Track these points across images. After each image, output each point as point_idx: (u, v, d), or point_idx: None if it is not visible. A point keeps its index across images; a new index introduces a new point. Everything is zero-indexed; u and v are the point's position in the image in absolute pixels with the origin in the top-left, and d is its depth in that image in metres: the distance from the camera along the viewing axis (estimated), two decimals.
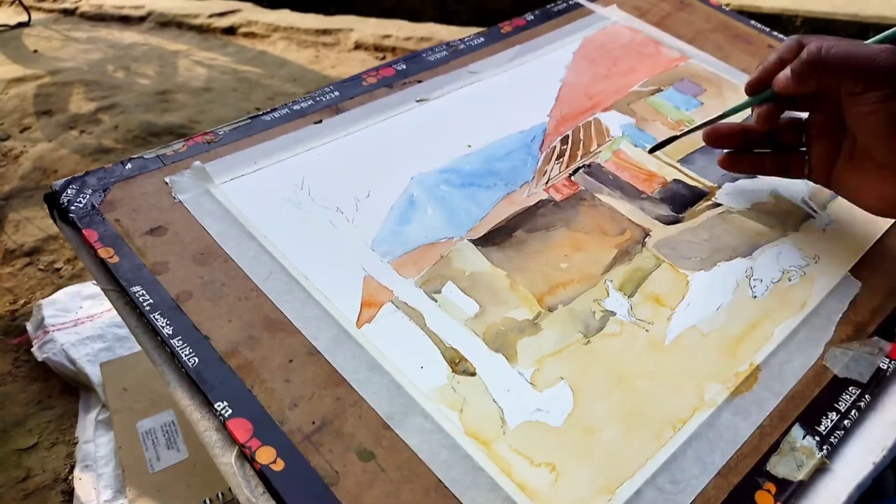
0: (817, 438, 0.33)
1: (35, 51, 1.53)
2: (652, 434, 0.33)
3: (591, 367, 0.35)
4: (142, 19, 1.77)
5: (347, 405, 0.33)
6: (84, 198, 0.41)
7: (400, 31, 1.67)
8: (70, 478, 0.60)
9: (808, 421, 0.34)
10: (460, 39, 0.58)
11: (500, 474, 0.31)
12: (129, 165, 0.43)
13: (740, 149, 0.45)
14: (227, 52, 1.59)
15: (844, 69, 0.37)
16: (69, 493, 0.60)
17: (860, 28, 1.68)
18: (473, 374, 0.35)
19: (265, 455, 0.30)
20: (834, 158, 0.42)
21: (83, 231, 0.39)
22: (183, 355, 0.34)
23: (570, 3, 0.65)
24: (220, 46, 1.63)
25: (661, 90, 0.56)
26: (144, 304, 0.36)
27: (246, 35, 1.68)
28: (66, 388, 0.67)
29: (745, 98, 0.43)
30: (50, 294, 0.74)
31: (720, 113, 0.44)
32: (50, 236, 0.89)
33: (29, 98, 1.27)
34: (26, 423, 0.65)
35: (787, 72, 0.39)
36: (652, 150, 0.48)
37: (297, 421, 0.32)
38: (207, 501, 0.52)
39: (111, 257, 0.38)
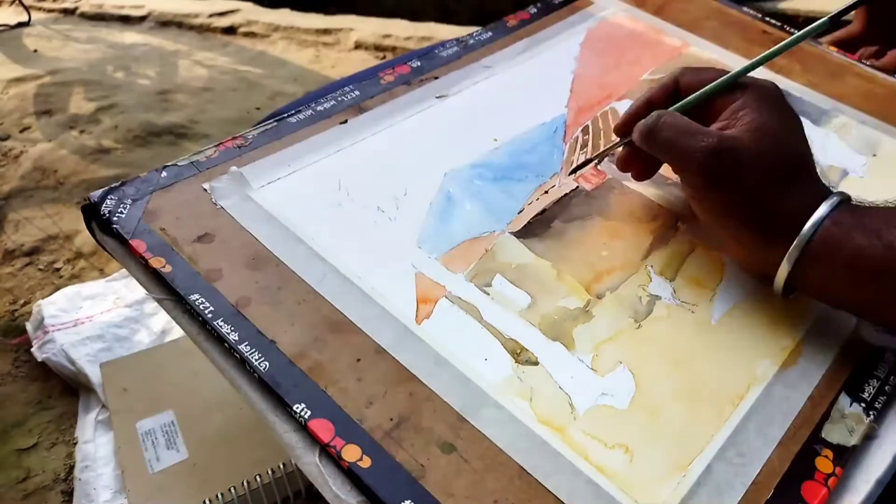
0: (863, 405, 0.35)
1: (35, 50, 1.50)
2: (714, 411, 0.34)
3: (646, 351, 0.37)
4: (142, 19, 1.73)
5: (421, 400, 0.33)
6: (125, 208, 0.40)
7: (400, 31, 1.66)
8: (70, 478, 0.60)
9: (853, 389, 0.36)
10: (469, 35, 0.59)
11: (578, 458, 0.32)
12: (164, 173, 0.43)
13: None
14: (227, 52, 1.57)
15: (668, 157, 0.39)
16: (69, 494, 0.59)
17: None
18: (536, 363, 0.36)
19: (351, 453, 0.31)
20: None
21: (131, 242, 0.39)
22: (253, 360, 0.34)
23: None
24: (220, 46, 1.61)
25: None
26: (206, 311, 0.36)
27: (246, 35, 1.66)
28: (65, 389, 0.67)
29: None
30: (50, 294, 0.74)
31: (603, 150, 0.46)
32: (50, 236, 0.87)
33: (29, 98, 1.24)
34: (26, 424, 0.64)
35: (637, 128, 0.41)
36: (572, 173, 0.47)
37: (375, 418, 0.32)
38: (207, 502, 0.52)
39: (164, 266, 0.38)
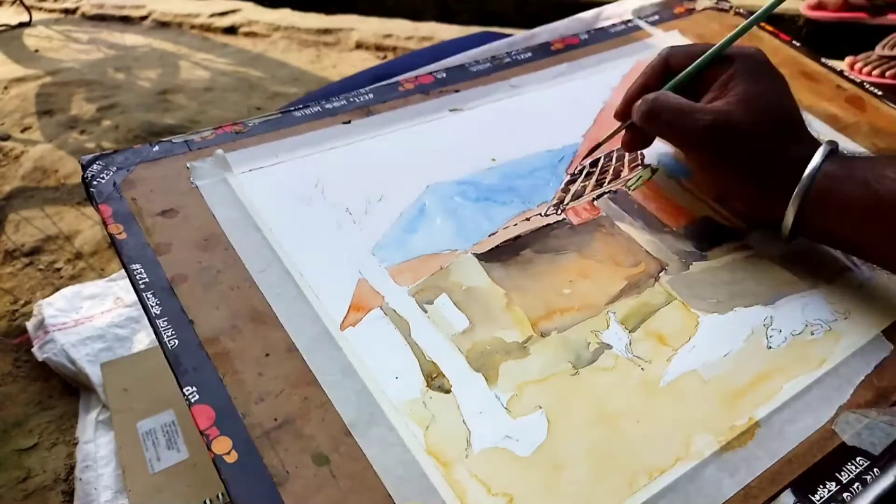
0: None
1: (36, 51, 1.55)
2: (625, 479, 0.31)
3: (573, 400, 0.34)
4: (142, 19, 1.79)
5: (313, 406, 0.32)
6: (107, 175, 0.42)
7: (401, 31, 1.65)
8: (70, 478, 0.60)
9: (802, 488, 0.31)
10: (507, 53, 0.57)
11: (453, 498, 0.29)
12: (156, 147, 0.45)
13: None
14: (227, 52, 1.60)
15: (668, 139, 0.43)
16: (69, 494, 0.59)
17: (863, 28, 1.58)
18: (448, 391, 0.34)
19: (221, 445, 0.30)
20: None
21: (99, 206, 0.40)
22: (165, 336, 0.34)
23: (630, 24, 0.63)
24: (221, 46, 1.64)
25: None
26: (140, 282, 0.36)
27: (247, 35, 1.68)
28: (66, 389, 0.67)
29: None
30: (50, 294, 0.74)
31: (609, 134, 0.47)
32: (50, 236, 0.89)
33: (30, 98, 1.28)
34: (26, 424, 0.64)
35: (635, 110, 0.43)
36: (585, 157, 0.48)
37: (259, 415, 0.31)
38: (208, 502, 0.52)
39: (119, 234, 0.39)
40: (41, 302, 0.71)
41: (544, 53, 0.58)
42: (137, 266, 0.37)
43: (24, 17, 1.74)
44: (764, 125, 0.39)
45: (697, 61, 0.43)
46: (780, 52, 0.62)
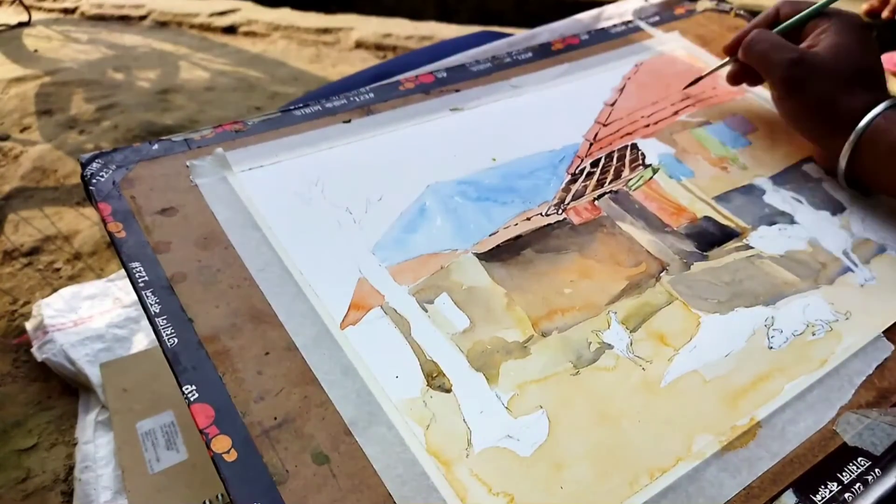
0: None
1: (35, 50, 1.54)
2: (625, 479, 0.31)
3: (574, 400, 0.34)
4: (142, 19, 1.79)
5: (313, 405, 0.32)
6: (107, 173, 0.42)
7: (401, 30, 1.65)
8: (70, 478, 0.60)
9: (804, 488, 0.31)
10: (507, 53, 0.57)
11: (453, 497, 0.29)
12: (155, 146, 0.44)
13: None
14: (227, 52, 1.60)
15: (759, 66, 0.49)
16: (69, 494, 0.59)
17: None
18: (449, 390, 0.33)
19: (220, 444, 0.30)
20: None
21: (98, 204, 0.40)
22: (164, 334, 0.34)
23: (630, 25, 0.63)
24: (221, 46, 1.63)
25: (710, 123, 0.53)
26: (139, 280, 0.36)
27: (246, 34, 1.68)
28: (65, 389, 0.67)
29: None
30: (49, 294, 0.74)
31: (714, 68, 0.55)
32: (49, 237, 0.88)
33: (29, 98, 1.27)
34: (26, 424, 0.64)
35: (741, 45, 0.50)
36: (687, 87, 0.56)
37: (259, 414, 0.31)
38: (207, 502, 0.52)
39: (119, 232, 0.39)
40: (40, 302, 0.71)
41: (545, 54, 0.58)
42: (137, 264, 0.37)
43: (24, 17, 1.74)
44: (839, 68, 0.44)
45: (803, 13, 0.49)
46: None
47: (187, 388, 0.32)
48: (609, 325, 0.37)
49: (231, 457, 0.30)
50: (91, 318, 0.68)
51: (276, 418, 0.31)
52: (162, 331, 0.34)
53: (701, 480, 0.31)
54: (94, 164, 0.42)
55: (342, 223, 0.41)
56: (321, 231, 0.41)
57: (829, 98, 0.44)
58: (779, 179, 0.49)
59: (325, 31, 1.68)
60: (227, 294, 0.36)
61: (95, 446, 0.59)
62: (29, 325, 0.70)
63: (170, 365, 0.33)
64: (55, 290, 0.74)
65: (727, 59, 0.53)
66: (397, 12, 1.82)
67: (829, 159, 0.47)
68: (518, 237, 0.42)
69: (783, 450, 0.33)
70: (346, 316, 0.36)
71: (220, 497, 0.52)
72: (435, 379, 0.34)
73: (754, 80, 0.53)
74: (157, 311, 0.35)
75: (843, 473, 0.32)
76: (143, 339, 0.66)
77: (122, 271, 0.74)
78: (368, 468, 0.30)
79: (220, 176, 0.43)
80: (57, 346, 0.65)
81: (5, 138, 1.12)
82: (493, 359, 0.35)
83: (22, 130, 1.18)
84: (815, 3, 0.49)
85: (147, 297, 0.35)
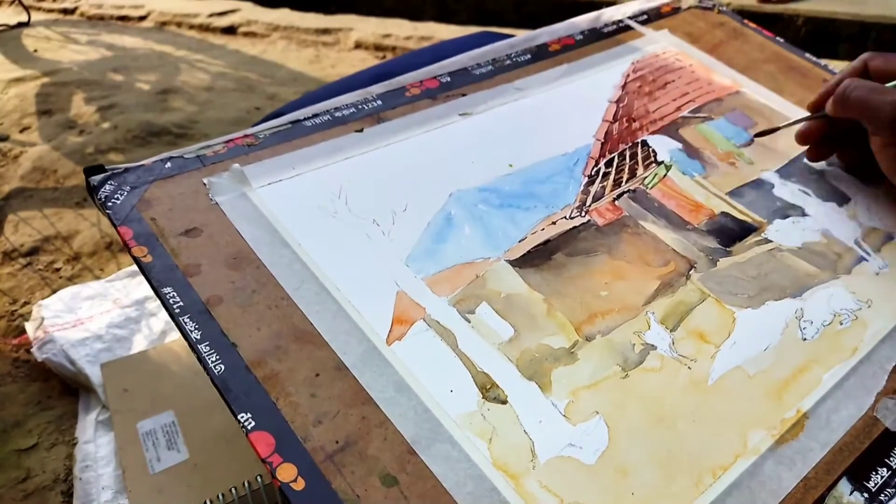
0: (866, 495, 0.31)
1: (35, 51, 1.52)
2: (691, 480, 0.31)
3: (628, 403, 0.34)
4: (141, 19, 1.76)
5: (373, 426, 0.31)
6: (122, 195, 0.40)
7: (400, 31, 1.64)
8: (70, 478, 0.59)
9: (857, 476, 0.32)
10: (506, 55, 0.57)
11: None
12: (168, 164, 0.43)
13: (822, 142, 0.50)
14: (226, 52, 1.58)
15: (859, 113, 0.44)
16: (69, 494, 0.58)
17: (861, 27, 1.65)
18: (505, 401, 0.33)
19: (286, 473, 0.29)
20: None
21: (119, 228, 0.38)
22: (209, 362, 0.33)
23: (621, 24, 0.64)
24: (220, 46, 1.62)
25: (712, 118, 0.54)
26: (174, 306, 0.35)
27: (246, 35, 1.66)
28: (65, 389, 0.66)
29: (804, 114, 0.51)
30: (50, 294, 0.73)
31: (794, 120, 0.51)
32: (49, 237, 0.87)
33: (28, 98, 1.25)
34: (26, 424, 0.63)
35: (832, 99, 0.46)
36: (758, 135, 0.52)
37: (320, 439, 0.31)
38: (208, 502, 0.51)
39: (144, 256, 0.37)
40: (40, 302, 0.70)
41: (543, 55, 0.58)
42: (169, 290, 0.36)
43: (23, 18, 1.71)
44: None
45: None
46: (767, 49, 0.64)
47: (243, 417, 0.31)
48: (649, 326, 0.38)
49: (299, 485, 0.29)
50: (91, 318, 0.67)
51: (337, 441, 0.31)
52: (206, 358, 0.33)
53: (761, 475, 0.32)
54: (108, 186, 0.41)
55: (371, 235, 0.41)
56: (351, 244, 0.40)
57: None
58: (784, 172, 0.50)
59: (325, 31, 1.67)
60: (266, 315, 0.35)
61: (96, 446, 0.58)
62: (29, 326, 0.69)
63: (220, 393, 0.32)
64: (55, 291, 0.73)
65: (808, 115, 0.50)
66: (396, 13, 1.81)
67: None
68: (547, 241, 0.42)
69: (831, 439, 0.33)
70: (390, 331, 0.36)
71: (220, 497, 0.51)
72: (489, 391, 0.34)
73: (831, 147, 0.50)
74: (199, 337, 0.34)
75: (891, 459, 0.33)
76: (143, 340, 0.66)
77: (122, 272, 0.73)
78: (438, 487, 0.30)
79: (239, 192, 0.42)
80: (57, 346, 0.64)
81: (5, 139, 1.09)
82: (542, 367, 0.35)
83: (21, 131, 1.16)
84: None
85: (185, 323, 0.34)
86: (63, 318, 0.67)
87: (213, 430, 0.57)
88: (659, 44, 0.62)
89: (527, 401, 0.33)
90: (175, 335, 0.66)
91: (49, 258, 0.84)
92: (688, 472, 0.31)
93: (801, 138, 0.50)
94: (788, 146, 0.52)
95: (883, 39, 1.63)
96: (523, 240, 0.42)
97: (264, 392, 0.32)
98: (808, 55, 0.64)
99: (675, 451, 0.32)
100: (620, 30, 0.63)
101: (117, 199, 0.40)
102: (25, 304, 0.77)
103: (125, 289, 0.71)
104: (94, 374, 0.62)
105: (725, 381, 0.35)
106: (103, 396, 0.60)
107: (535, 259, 0.41)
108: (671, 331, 0.38)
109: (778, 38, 0.66)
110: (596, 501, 0.30)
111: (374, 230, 0.41)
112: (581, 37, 0.61)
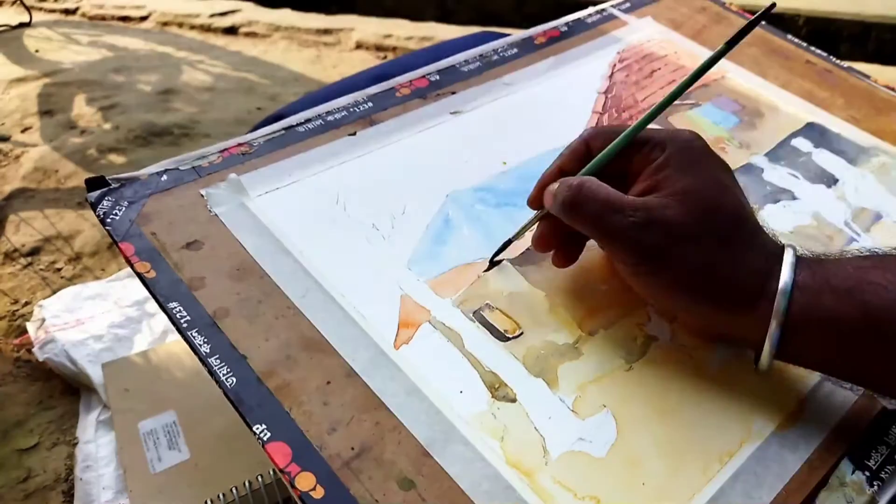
0: (867, 474, 0.32)
1: (36, 51, 1.52)
2: (698, 467, 0.32)
3: (633, 396, 0.35)
4: (143, 19, 1.76)
5: (386, 430, 0.32)
6: (120, 210, 0.40)
7: (401, 31, 1.66)
8: (71, 478, 0.60)
9: (857, 455, 0.33)
10: (493, 50, 0.58)
11: None
12: (164, 177, 0.43)
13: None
14: (227, 52, 1.59)
15: (595, 235, 0.35)
16: (70, 494, 0.59)
17: (862, 27, 1.67)
18: (514, 400, 0.34)
19: (305, 481, 0.30)
20: None
21: (120, 245, 0.38)
22: (221, 375, 0.33)
23: (605, 13, 0.64)
24: (221, 46, 1.62)
25: (699, 105, 0.55)
26: (182, 321, 0.35)
27: (247, 35, 1.67)
28: (67, 389, 0.67)
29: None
30: (51, 295, 0.74)
31: (520, 227, 0.40)
32: (50, 237, 0.88)
33: (30, 98, 1.26)
34: (27, 424, 0.64)
35: (552, 199, 0.36)
36: (492, 262, 0.41)
37: (336, 446, 0.31)
38: (209, 502, 0.52)
39: (148, 272, 0.37)
40: (42, 302, 0.71)
41: (529, 48, 0.59)
42: (175, 304, 0.36)
43: (25, 18, 1.70)
44: (709, 224, 0.33)
45: (615, 142, 0.36)
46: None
47: (258, 428, 0.31)
48: (649, 318, 0.38)
49: (318, 493, 0.29)
50: (92, 318, 0.68)
51: (353, 448, 0.31)
52: (217, 371, 0.33)
53: (766, 460, 0.32)
54: (106, 202, 0.41)
55: (371, 240, 0.41)
56: (352, 250, 0.40)
57: (706, 265, 0.32)
58: (773, 156, 0.51)
59: (326, 31, 1.67)
60: (273, 326, 0.36)
61: (97, 446, 0.59)
62: (30, 326, 0.70)
63: (234, 406, 0.32)
64: (56, 291, 0.74)
65: (536, 213, 0.39)
66: (397, 13, 1.82)
67: (726, 334, 0.35)
68: None
69: (831, 421, 0.34)
70: (397, 335, 0.36)
71: (221, 497, 0.52)
72: (498, 390, 0.34)
73: (573, 247, 0.39)
74: (208, 350, 0.34)
75: (889, 436, 0.34)
76: (144, 340, 0.66)
77: (123, 272, 0.74)
78: (455, 488, 0.30)
79: (237, 203, 0.42)
80: (58, 346, 0.65)
81: (6, 139, 1.10)
82: (548, 363, 0.36)
83: (23, 131, 1.17)
84: (626, 128, 0.37)
85: (194, 337, 0.35)
86: (64, 318, 0.68)
87: (214, 429, 0.57)
88: (643, 32, 0.63)
89: (535, 398, 0.34)
90: (176, 335, 0.66)
91: (50, 258, 0.85)
92: (695, 460, 0.32)
93: (540, 244, 0.38)
94: (776, 129, 0.53)
95: (883, 39, 1.64)
96: (521, 237, 0.42)
97: (277, 402, 0.32)
98: (789, 37, 0.65)
99: (682, 439, 0.33)
100: (604, 19, 0.64)
101: (116, 214, 0.40)
102: (26, 304, 0.78)
103: (126, 289, 0.72)
104: (96, 374, 0.63)
105: (727, 369, 0.36)
106: (104, 396, 0.61)
107: (535, 256, 0.41)
108: (670, 321, 0.38)
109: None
110: (609, 494, 0.31)
111: (374, 234, 0.41)
112: (566, 28, 0.62)
